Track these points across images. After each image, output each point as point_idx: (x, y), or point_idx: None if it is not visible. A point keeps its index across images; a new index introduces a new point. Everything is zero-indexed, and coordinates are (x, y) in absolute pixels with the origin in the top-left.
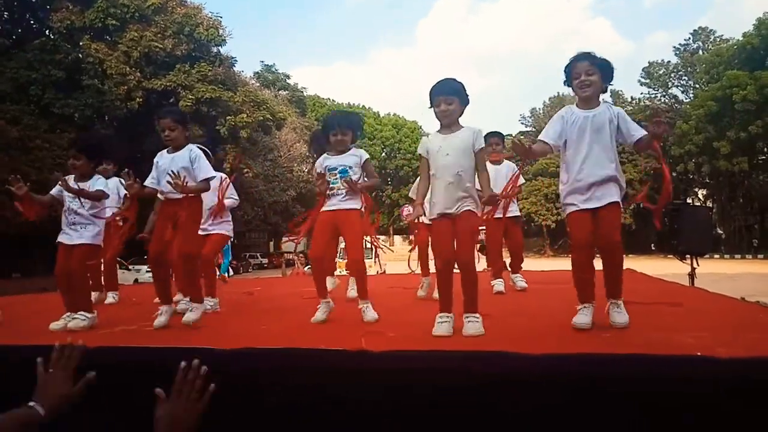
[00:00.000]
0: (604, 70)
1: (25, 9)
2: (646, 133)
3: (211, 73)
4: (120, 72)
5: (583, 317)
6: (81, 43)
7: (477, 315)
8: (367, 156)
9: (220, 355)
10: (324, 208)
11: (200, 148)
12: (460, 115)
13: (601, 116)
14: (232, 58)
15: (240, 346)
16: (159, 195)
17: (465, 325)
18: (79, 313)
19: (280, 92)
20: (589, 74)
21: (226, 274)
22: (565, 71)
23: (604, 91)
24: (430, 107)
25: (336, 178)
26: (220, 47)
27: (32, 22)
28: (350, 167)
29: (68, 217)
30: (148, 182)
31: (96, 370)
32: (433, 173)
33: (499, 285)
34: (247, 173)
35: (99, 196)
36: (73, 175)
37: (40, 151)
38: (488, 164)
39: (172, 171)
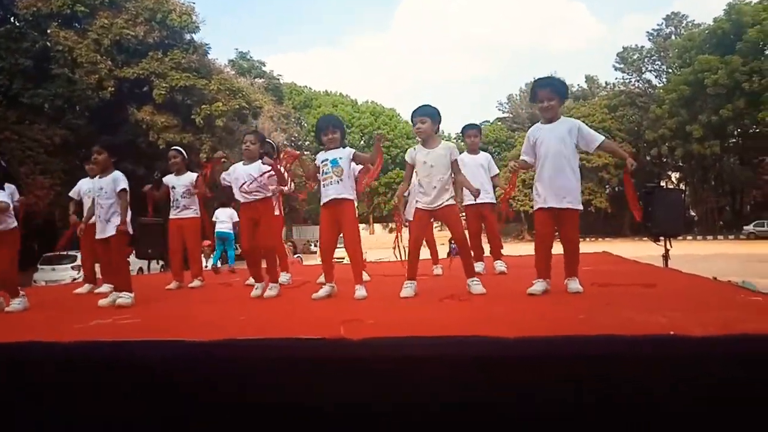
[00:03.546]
0: (561, 91)
1: None
2: (604, 139)
3: (185, 61)
4: (90, 60)
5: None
6: (49, 31)
7: (476, 279)
8: (354, 150)
9: (197, 347)
10: (323, 201)
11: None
12: (436, 132)
13: (560, 128)
14: (206, 45)
15: (217, 337)
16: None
17: (470, 287)
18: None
19: (255, 80)
20: (550, 100)
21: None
22: (531, 91)
23: (561, 104)
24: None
25: (328, 168)
26: (193, 34)
27: None
28: (340, 158)
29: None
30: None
31: (72, 366)
32: (419, 179)
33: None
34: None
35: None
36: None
37: (9, 143)
38: (466, 154)
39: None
